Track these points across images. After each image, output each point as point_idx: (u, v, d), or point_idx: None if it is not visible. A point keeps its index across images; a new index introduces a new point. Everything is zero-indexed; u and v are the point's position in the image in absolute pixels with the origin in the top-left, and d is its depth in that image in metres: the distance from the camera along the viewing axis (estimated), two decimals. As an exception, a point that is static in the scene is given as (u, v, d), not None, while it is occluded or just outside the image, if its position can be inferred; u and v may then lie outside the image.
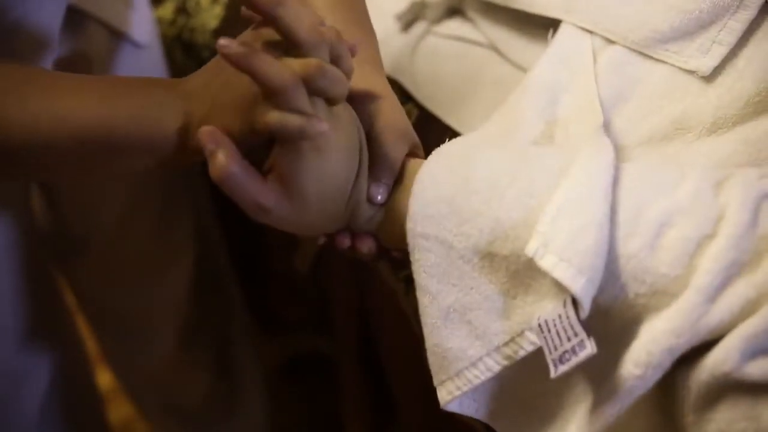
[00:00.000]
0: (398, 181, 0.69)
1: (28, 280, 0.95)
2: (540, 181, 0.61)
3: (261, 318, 1.31)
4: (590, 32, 0.76)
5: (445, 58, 0.93)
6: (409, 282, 0.86)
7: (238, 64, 0.58)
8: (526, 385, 0.64)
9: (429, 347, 0.64)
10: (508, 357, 0.62)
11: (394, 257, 0.72)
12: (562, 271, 0.57)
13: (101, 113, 0.62)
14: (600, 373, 0.60)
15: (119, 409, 1.44)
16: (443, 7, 0.95)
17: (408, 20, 0.97)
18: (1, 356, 0.93)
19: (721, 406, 0.56)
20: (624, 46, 0.74)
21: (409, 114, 0.91)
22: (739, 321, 0.55)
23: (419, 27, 0.96)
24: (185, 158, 0.64)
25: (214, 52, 1.05)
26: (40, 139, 0.61)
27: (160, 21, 1.11)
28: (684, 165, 0.65)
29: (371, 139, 0.68)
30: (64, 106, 0.62)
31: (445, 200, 0.63)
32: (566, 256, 0.57)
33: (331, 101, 0.63)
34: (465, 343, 0.63)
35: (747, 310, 0.55)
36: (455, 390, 0.63)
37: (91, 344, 1.25)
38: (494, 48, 0.90)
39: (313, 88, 0.60)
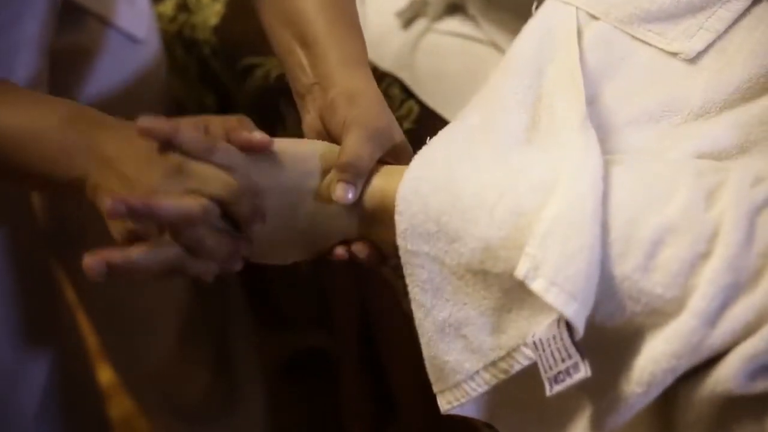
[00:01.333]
0: (374, 185, 0.67)
1: (25, 278, 0.95)
2: (527, 198, 0.59)
3: (262, 315, 1.31)
4: (575, 7, 0.73)
5: (445, 55, 0.93)
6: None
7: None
8: (526, 390, 0.64)
9: (427, 358, 0.64)
10: (504, 371, 0.61)
11: (396, 264, 0.70)
12: (554, 295, 0.56)
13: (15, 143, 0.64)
14: (597, 384, 0.60)
15: (120, 406, 1.44)
16: (444, 4, 0.95)
17: (408, 17, 0.97)
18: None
19: (731, 427, 0.56)
20: (607, 23, 0.72)
21: (409, 111, 0.91)
22: (741, 341, 0.55)
23: (420, 24, 0.96)
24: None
25: (214, 48, 1.05)
26: None
27: (160, 17, 1.11)
28: (675, 156, 0.64)
29: (343, 137, 0.67)
30: None
31: (432, 219, 0.62)
32: (558, 280, 0.55)
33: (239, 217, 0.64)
34: (461, 357, 0.62)
35: (748, 333, 0.55)
36: (454, 400, 0.64)
37: (91, 340, 1.25)
38: (495, 45, 0.90)
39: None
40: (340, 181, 0.65)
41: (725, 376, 0.55)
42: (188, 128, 0.62)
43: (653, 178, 0.61)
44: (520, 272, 0.57)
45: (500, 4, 0.88)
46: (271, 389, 1.33)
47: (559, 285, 0.55)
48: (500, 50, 0.88)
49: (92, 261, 0.60)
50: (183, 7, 1.10)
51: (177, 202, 0.60)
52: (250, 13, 0.78)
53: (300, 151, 0.68)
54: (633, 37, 0.70)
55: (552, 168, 0.61)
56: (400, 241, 0.63)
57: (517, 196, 0.60)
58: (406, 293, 0.86)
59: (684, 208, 0.57)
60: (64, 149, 0.64)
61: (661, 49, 0.69)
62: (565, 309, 0.55)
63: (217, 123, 0.65)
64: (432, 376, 0.64)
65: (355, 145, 0.65)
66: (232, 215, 0.64)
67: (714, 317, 0.55)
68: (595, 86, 0.68)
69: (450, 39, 0.94)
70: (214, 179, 0.62)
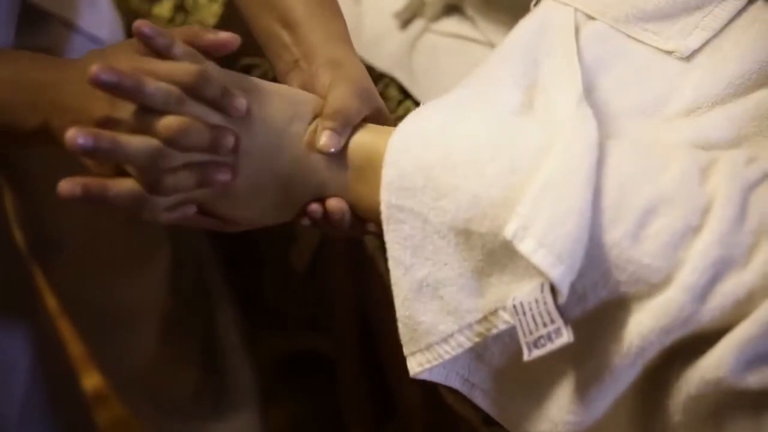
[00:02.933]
0: (357, 141, 0.66)
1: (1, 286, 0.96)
2: (522, 158, 0.59)
3: (260, 316, 1.31)
4: (573, 8, 0.74)
5: (443, 55, 0.94)
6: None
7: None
8: (503, 357, 0.63)
9: (400, 318, 0.63)
10: (479, 334, 0.61)
11: (373, 231, 0.69)
12: (541, 257, 0.55)
13: None
14: (580, 354, 0.59)
15: (109, 412, 1.43)
16: (441, 5, 0.95)
17: (406, 18, 0.97)
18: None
19: (726, 424, 0.56)
20: (603, 22, 0.72)
21: (407, 111, 0.91)
22: (731, 319, 0.55)
23: (417, 24, 0.97)
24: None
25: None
26: None
27: (157, 19, 1.11)
28: (668, 144, 0.64)
29: (328, 92, 0.67)
30: None
31: (421, 172, 0.61)
32: (546, 241, 0.55)
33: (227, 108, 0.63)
34: (437, 318, 0.62)
35: (738, 310, 0.55)
36: (425, 362, 0.63)
37: (77, 347, 1.25)
38: (492, 45, 0.91)
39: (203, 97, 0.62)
40: (325, 129, 0.65)
41: (716, 363, 0.55)
42: (152, 82, 0.60)
43: (648, 150, 0.61)
44: (509, 232, 0.57)
45: (498, 5, 0.89)
46: (270, 390, 1.32)
47: (548, 246, 0.55)
48: (497, 51, 0.89)
49: (67, 185, 0.59)
50: (180, 8, 1.11)
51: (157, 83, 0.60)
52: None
53: (292, 95, 0.68)
54: (629, 36, 0.71)
55: (548, 132, 0.61)
56: (383, 194, 0.62)
57: (511, 156, 0.59)
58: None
59: (678, 180, 0.58)
60: (21, 102, 0.64)
61: (657, 48, 0.70)
62: (551, 271, 0.55)
63: (178, 32, 0.65)
64: (404, 337, 0.63)
65: (343, 97, 0.66)
66: (206, 99, 0.62)
67: (703, 292, 0.55)
68: (590, 79, 0.69)
69: (447, 40, 0.95)
70: (176, 69, 0.61)
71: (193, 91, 0.61)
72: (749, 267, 0.55)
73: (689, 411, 0.57)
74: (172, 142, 0.60)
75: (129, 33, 1.12)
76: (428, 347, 0.62)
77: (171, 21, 1.11)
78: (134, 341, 1.17)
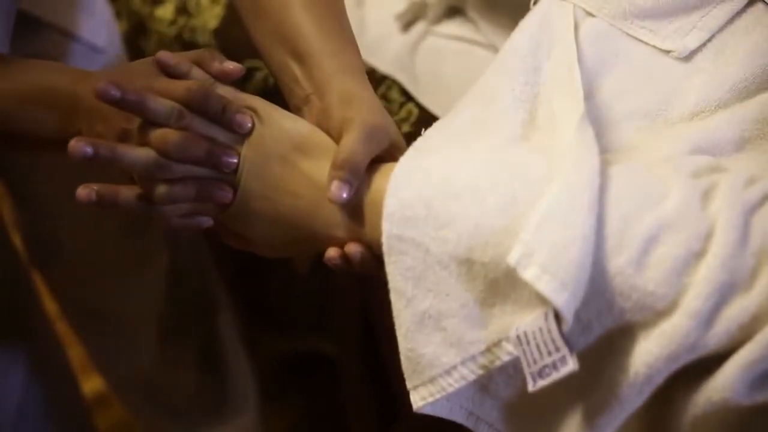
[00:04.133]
0: (370, 183, 0.66)
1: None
2: (523, 189, 0.59)
3: (262, 318, 1.31)
4: (572, 4, 0.73)
5: (445, 58, 0.94)
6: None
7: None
8: (508, 389, 0.63)
9: (402, 351, 0.63)
10: (483, 366, 0.60)
11: None
12: (545, 284, 0.55)
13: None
14: (586, 384, 0.59)
15: (112, 414, 1.44)
16: (443, 7, 0.95)
17: (408, 20, 0.97)
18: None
19: None
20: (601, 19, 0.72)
21: (409, 114, 0.91)
22: (736, 341, 0.55)
23: (419, 27, 0.97)
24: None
25: (214, 50, 1.05)
26: None
27: (159, 21, 1.11)
28: (669, 157, 0.64)
29: (338, 136, 0.67)
30: None
31: (422, 202, 0.61)
32: (550, 268, 0.55)
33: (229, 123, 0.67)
34: (439, 350, 0.61)
35: (743, 332, 0.55)
36: (428, 396, 0.62)
37: (77, 352, 1.25)
38: (494, 48, 0.91)
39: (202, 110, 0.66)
40: (335, 179, 0.65)
41: (722, 385, 0.54)
42: (154, 98, 0.65)
43: (649, 176, 0.61)
44: (512, 258, 0.56)
45: (499, 7, 0.89)
46: (272, 392, 1.33)
47: (551, 273, 0.55)
48: (499, 53, 0.89)
49: (78, 143, 0.64)
50: (182, 11, 1.11)
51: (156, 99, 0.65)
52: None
53: (301, 126, 0.69)
54: (627, 34, 0.70)
55: (549, 162, 0.61)
56: (385, 225, 0.62)
57: (511, 187, 0.60)
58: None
59: (679, 206, 0.58)
60: (47, 109, 0.68)
61: (654, 47, 0.70)
62: (556, 298, 0.55)
63: (188, 57, 0.69)
64: (407, 370, 0.63)
65: (352, 143, 0.65)
66: (206, 114, 0.67)
67: (709, 317, 0.55)
68: (591, 81, 0.69)
69: (449, 42, 0.94)
70: (176, 86, 0.66)
71: (195, 106, 0.66)
72: (753, 290, 0.55)
73: (696, 430, 0.57)
74: (166, 153, 0.65)
75: (127, 40, 1.13)
76: (431, 380, 0.62)
77: (173, 23, 1.11)
78: (133, 345, 1.19)
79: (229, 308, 1.26)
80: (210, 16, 1.08)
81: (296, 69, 0.71)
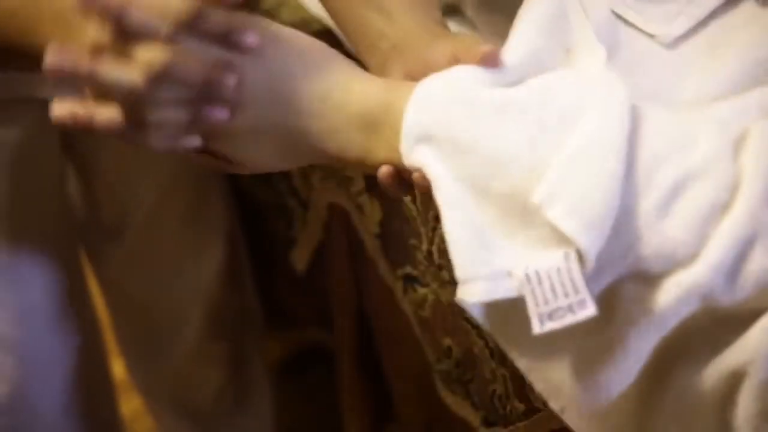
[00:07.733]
0: (390, 101, 0.63)
1: (60, 265, 0.98)
2: (552, 116, 0.57)
3: (264, 312, 1.28)
4: None
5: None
6: (407, 281, 0.89)
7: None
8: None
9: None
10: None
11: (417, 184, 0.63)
12: (570, 224, 0.53)
13: None
14: (585, 332, 0.57)
15: (132, 401, 1.41)
16: (441, 6, 0.95)
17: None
18: (30, 336, 0.97)
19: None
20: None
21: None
22: (757, 299, 0.54)
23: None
24: None
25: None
26: None
27: None
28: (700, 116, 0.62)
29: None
30: None
31: (444, 126, 0.59)
32: (577, 209, 0.54)
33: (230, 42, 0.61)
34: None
35: (764, 291, 0.54)
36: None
37: (106, 335, 1.23)
38: (492, 47, 0.91)
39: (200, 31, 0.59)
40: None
41: (745, 350, 0.54)
42: (140, 9, 0.57)
43: (680, 121, 0.59)
44: (537, 197, 0.55)
45: (496, 7, 0.85)
46: (275, 386, 1.31)
47: (578, 213, 0.54)
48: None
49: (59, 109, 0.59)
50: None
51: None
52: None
53: (310, 43, 0.65)
54: (624, 22, 0.69)
55: (578, 92, 0.59)
56: (403, 144, 0.60)
57: (539, 119, 0.57)
58: (403, 293, 0.90)
59: (711, 154, 0.56)
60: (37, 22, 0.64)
61: (640, 30, 0.69)
62: (581, 239, 0.53)
63: None
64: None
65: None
66: (209, 34, 0.60)
67: (730, 270, 0.54)
68: None
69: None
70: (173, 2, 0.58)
71: (191, 25, 0.59)
72: None
73: (707, 406, 0.57)
74: (157, 76, 0.58)
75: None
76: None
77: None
78: (172, 338, 1.16)
79: (257, 305, 1.25)
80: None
81: (381, 23, 0.69)
